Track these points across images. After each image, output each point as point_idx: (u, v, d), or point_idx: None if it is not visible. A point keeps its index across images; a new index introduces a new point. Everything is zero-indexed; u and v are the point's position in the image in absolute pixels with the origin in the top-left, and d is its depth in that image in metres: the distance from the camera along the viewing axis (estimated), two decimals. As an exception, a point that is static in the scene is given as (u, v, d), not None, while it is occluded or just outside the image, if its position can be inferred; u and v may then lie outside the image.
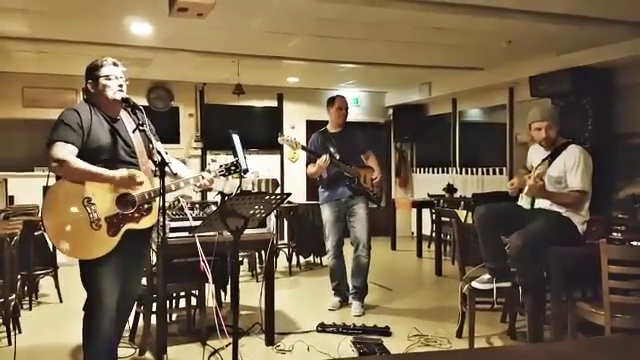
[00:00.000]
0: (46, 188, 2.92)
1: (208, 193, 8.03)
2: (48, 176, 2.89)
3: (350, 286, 5.15)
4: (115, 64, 3.04)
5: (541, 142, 3.83)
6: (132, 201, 2.96)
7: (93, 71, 3.01)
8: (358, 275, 5.07)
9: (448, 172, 9.38)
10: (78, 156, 2.85)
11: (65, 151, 2.82)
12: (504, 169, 8.15)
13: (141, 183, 2.95)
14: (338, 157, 5.00)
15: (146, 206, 3.02)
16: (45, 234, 4.82)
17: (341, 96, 5.28)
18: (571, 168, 3.65)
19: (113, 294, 2.97)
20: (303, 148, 4.99)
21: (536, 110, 3.85)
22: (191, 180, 3.19)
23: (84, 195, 2.86)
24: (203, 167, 8.70)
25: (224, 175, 3.34)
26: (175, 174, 3.13)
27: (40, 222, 5.00)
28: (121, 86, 3.01)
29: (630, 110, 6.40)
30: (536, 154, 3.93)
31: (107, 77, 2.98)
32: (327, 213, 5.10)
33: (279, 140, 4.94)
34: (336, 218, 5.07)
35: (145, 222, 3.03)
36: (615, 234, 3.88)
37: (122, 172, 2.91)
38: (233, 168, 3.36)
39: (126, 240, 2.94)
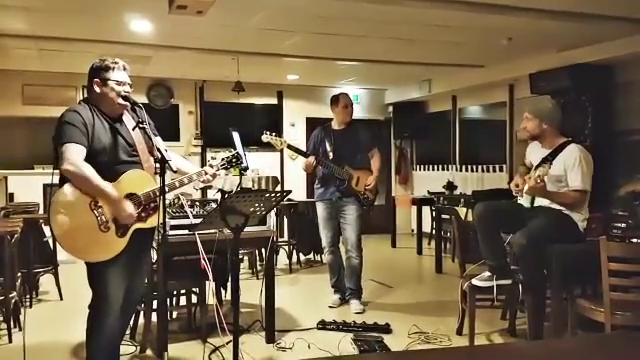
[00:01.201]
0: (48, 186, 2.92)
1: (208, 191, 8.05)
2: (52, 174, 2.87)
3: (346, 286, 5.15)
4: (125, 68, 3.03)
5: (526, 136, 3.90)
6: (138, 201, 2.96)
7: (102, 72, 2.97)
8: (351, 276, 5.07)
9: (448, 169, 9.38)
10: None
11: (77, 153, 2.80)
12: (504, 166, 8.15)
13: (131, 219, 2.93)
14: (332, 156, 4.98)
15: (152, 205, 3.02)
16: (50, 236, 4.86)
17: (345, 94, 5.23)
18: (571, 167, 3.65)
19: (119, 293, 2.98)
20: (289, 147, 4.94)
21: (533, 102, 3.95)
22: (194, 176, 3.19)
23: (91, 198, 2.85)
24: (203, 164, 8.69)
25: (226, 168, 3.34)
26: (176, 171, 3.12)
27: (42, 223, 5.03)
28: (127, 92, 3.00)
29: (630, 107, 6.39)
30: (534, 151, 3.94)
31: (118, 82, 2.97)
32: (320, 210, 5.12)
33: (263, 138, 4.84)
34: (329, 215, 5.07)
35: (152, 221, 3.04)
36: (615, 231, 3.89)
37: (124, 204, 2.88)
38: (234, 160, 3.36)
39: (133, 239, 2.95)
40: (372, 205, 5.15)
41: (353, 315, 4.81)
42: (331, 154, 5.00)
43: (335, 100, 5.16)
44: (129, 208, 2.90)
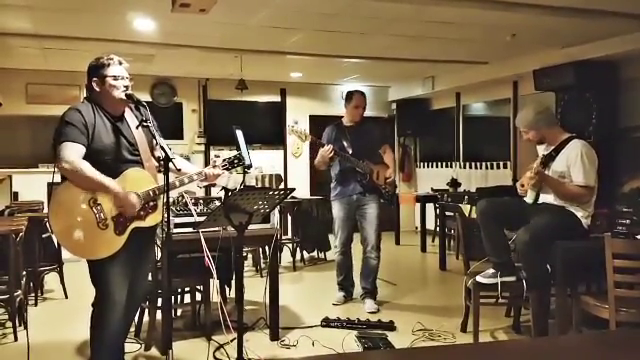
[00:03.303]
0: (51, 184, 2.93)
1: (212, 189, 8.06)
2: (54, 172, 2.88)
3: (360, 286, 5.08)
4: (120, 62, 3.03)
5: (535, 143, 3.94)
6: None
7: (99, 70, 2.99)
8: (368, 276, 5.00)
9: (452, 166, 9.37)
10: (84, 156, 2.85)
11: (74, 152, 2.81)
12: (508, 163, 8.13)
13: (135, 211, 2.95)
14: (350, 152, 4.88)
15: (151, 203, 3.02)
16: (53, 236, 4.88)
17: (360, 93, 5.12)
18: (574, 163, 3.65)
19: (122, 290, 2.99)
20: (312, 142, 4.89)
21: (517, 118, 4.03)
22: (195, 176, 3.19)
23: (90, 196, 2.86)
24: (207, 163, 8.71)
25: (227, 169, 3.34)
26: (179, 170, 3.13)
27: (47, 222, 5.04)
28: (127, 87, 3.01)
29: (634, 103, 6.36)
30: (542, 149, 3.94)
31: (115, 77, 2.97)
32: (337, 209, 5.01)
33: (288, 131, 4.84)
34: (346, 215, 4.97)
35: (151, 219, 3.04)
36: (620, 228, 3.87)
37: (127, 194, 2.90)
38: (236, 161, 3.35)
39: (133, 237, 2.96)
40: (392, 199, 5.10)
41: (357, 312, 4.79)
42: (350, 150, 4.91)
43: (349, 97, 5.09)
44: (133, 199, 2.91)
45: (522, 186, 3.84)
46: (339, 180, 5.02)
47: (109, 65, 2.99)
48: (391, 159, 5.11)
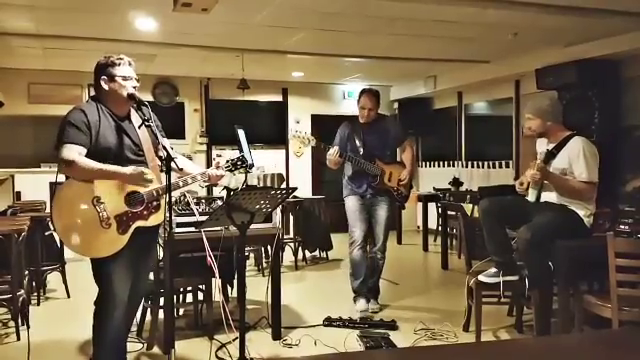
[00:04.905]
0: (53, 184, 2.93)
1: (214, 188, 8.06)
2: (57, 172, 2.89)
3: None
4: (130, 63, 3.04)
5: (534, 135, 3.91)
6: (141, 199, 2.97)
7: (108, 68, 2.98)
8: (373, 275, 4.90)
9: (454, 166, 9.36)
10: (86, 156, 2.85)
11: (74, 152, 2.82)
12: (510, 162, 8.13)
13: (150, 180, 2.96)
14: (362, 151, 4.77)
15: (154, 203, 3.02)
16: (55, 234, 4.89)
17: (367, 93, 4.83)
18: (576, 160, 3.64)
19: (125, 289, 2.99)
20: (317, 144, 4.68)
21: (529, 103, 3.98)
22: (198, 176, 3.19)
23: (93, 194, 2.86)
24: (208, 162, 8.73)
25: (231, 170, 3.34)
26: (181, 169, 3.14)
27: (49, 221, 5.05)
28: (135, 87, 3.01)
29: (637, 102, 6.35)
30: (541, 147, 3.93)
31: (124, 78, 2.98)
32: (351, 204, 4.83)
33: (290, 136, 4.67)
34: (361, 208, 4.78)
35: (154, 219, 3.04)
36: (622, 227, 3.87)
37: (133, 168, 2.91)
38: (240, 163, 3.36)
39: (136, 236, 2.96)
40: (406, 201, 4.97)
41: (359, 312, 4.79)
42: (361, 149, 4.78)
43: (358, 97, 4.92)
44: (138, 170, 2.91)
45: (521, 184, 3.83)
46: (352, 178, 4.87)
47: (119, 65, 2.99)
48: (410, 157, 4.92)
